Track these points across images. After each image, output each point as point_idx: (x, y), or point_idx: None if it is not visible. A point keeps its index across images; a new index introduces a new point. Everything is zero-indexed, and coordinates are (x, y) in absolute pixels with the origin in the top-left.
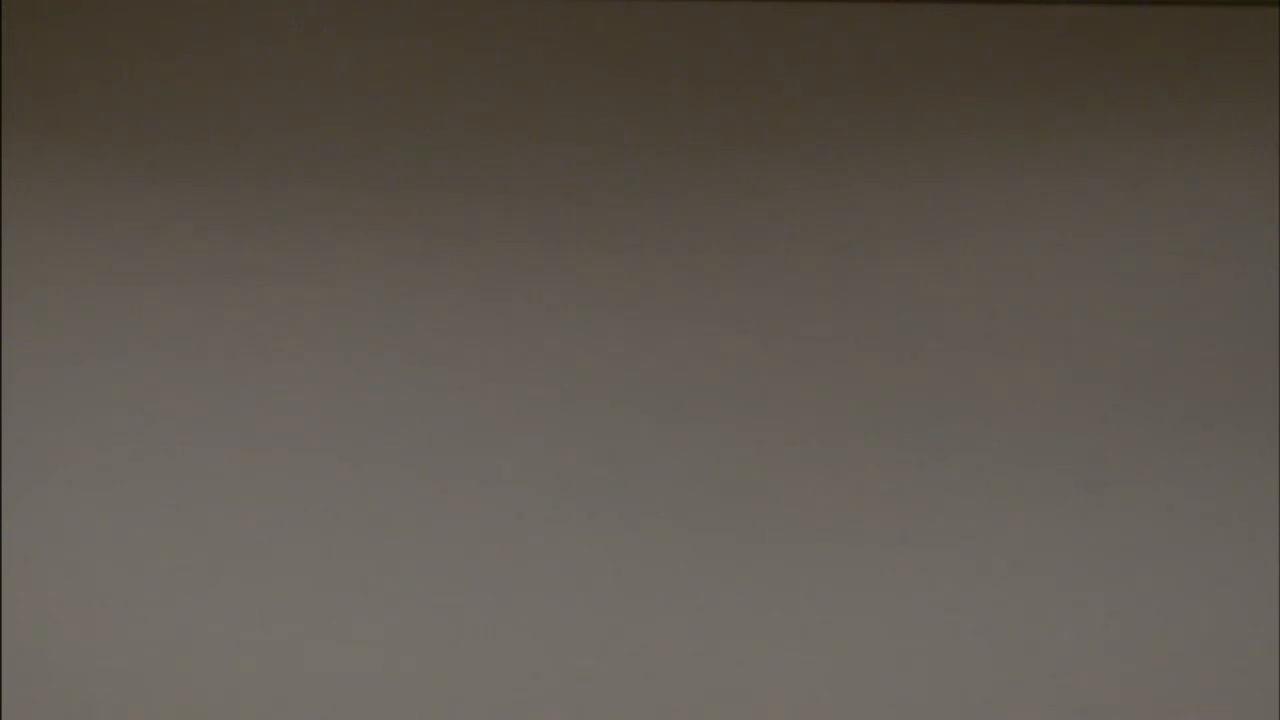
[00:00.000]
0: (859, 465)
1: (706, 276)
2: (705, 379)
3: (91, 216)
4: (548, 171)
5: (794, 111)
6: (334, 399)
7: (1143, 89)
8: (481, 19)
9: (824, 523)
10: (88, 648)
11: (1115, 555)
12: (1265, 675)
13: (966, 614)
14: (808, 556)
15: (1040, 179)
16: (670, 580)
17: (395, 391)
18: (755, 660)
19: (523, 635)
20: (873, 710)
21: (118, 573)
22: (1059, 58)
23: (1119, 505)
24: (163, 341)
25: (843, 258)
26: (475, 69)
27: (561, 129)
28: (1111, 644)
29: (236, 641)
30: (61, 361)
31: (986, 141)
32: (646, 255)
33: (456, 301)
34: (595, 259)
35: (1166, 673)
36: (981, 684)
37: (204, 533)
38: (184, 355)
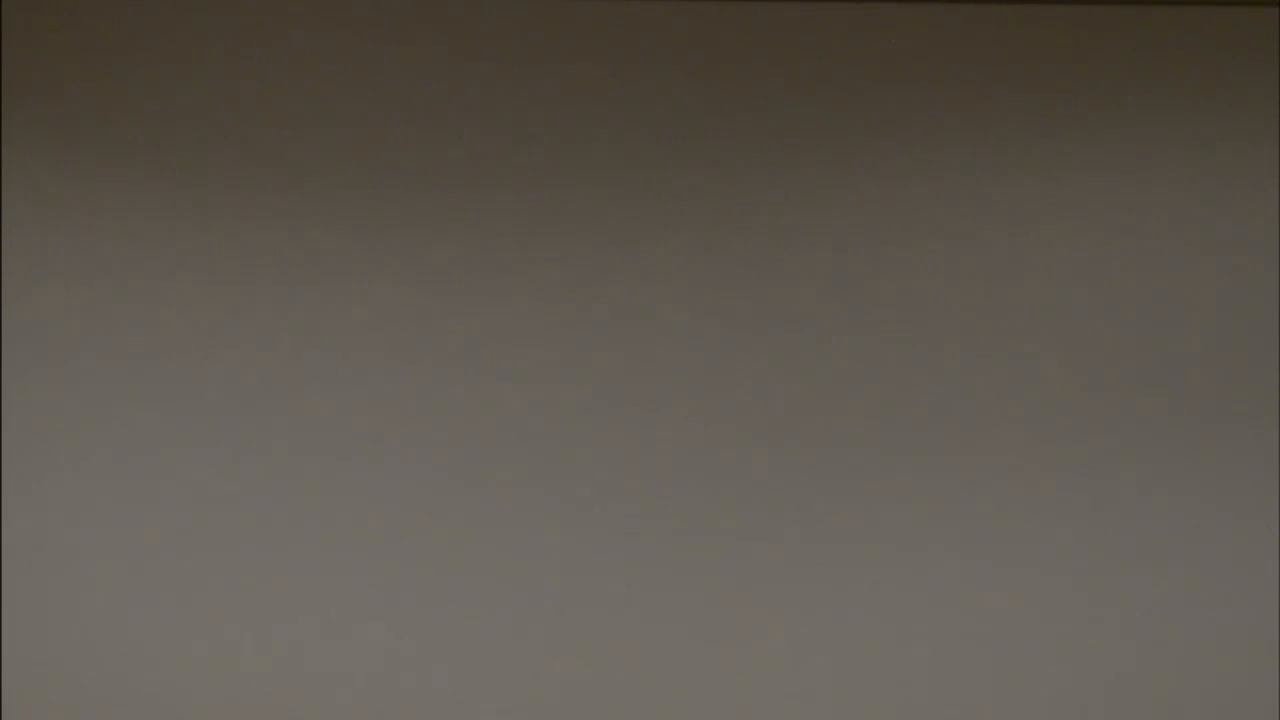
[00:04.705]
0: (859, 464)
1: (706, 276)
2: (705, 377)
3: (91, 216)
4: (548, 171)
5: (793, 111)
6: (335, 399)
7: (1143, 89)
8: (481, 19)
9: (825, 522)
10: (88, 647)
11: (1115, 554)
12: (1265, 675)
13: (967, 613)
14: (809, 555)
15: (1040, 179)
16: (670, 580)
17: (395, 391)
18: (755, 660)
19: (522, 636)
20: (873, 710)
21: (118, 573)
22: (1059, 58)
23: (1119, 504)
24: (163, 341)
25: (843, 257)
26: (475, 69)
27: (562, 129)
28: (1111, 643)
29: (237, 641)
30: (61, 361)
31: (986, 141)
32: (645, 255)
33: (456, 302)
34: (593, 258)
35: (1167, 672)
36: (981, 684)
37: (204, 532)
38: (184, 355)
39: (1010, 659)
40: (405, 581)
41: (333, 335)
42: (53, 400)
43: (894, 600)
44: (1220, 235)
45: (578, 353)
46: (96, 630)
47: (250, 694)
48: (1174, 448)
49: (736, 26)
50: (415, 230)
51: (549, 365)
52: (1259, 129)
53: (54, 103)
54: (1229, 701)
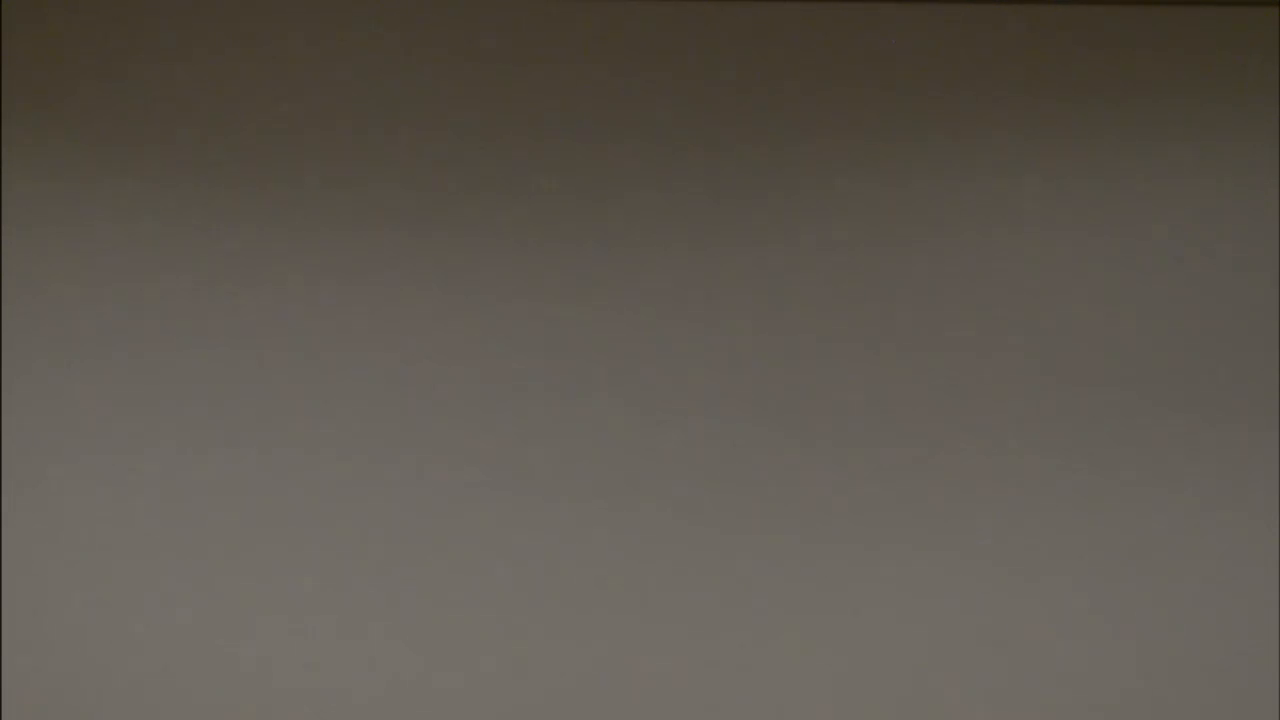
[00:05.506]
0: (859, 464)
1: (705, 275)
2: (705, 377)
3: (92, 216)
4: (548, 171)
5: (794, 111)
6: (335, 399)
7: (1143, 89)
8: (481, 19)
9: (824, 521)
10: (88, 647)
11: (1115, 555)
12: (1265, 675)
13: (968, 613)
14: (808, 555)
15: (1040, 179)
16: (670, 581)
17: (395, 392)
18: (758, 660)
19: (523, 638)
20: (874, 710)
21: (118, 572)
22: (1059, 58)
23: (1118, 504)
24: (163, 341)
25: (843, 257)
26: (475, 69)
27: (563, 129)
28: (1110, 644)
29: (237, 642)
30: (61, 361)
31: (986, 141)
32: (645, 254)
33: (457, 302)
34: (593, 258)
35: (1167, 672)
36: (982, 684)
37: (204, 533)
38: (184, 355)
39: (1011, 659)
40: (409, 582)
41: (334, 335)
42: (53, 400)
43: (894, 599)
44: (1220, 235)
45: (578, 353)
46: (97, 630)
47: (251, 694)
48: (1175, 447)
49: (736, 26)
50: (418, 231)
51: (550, 365)
52: (1259, 129)
53: (54, 103)
54: (1229, 701)
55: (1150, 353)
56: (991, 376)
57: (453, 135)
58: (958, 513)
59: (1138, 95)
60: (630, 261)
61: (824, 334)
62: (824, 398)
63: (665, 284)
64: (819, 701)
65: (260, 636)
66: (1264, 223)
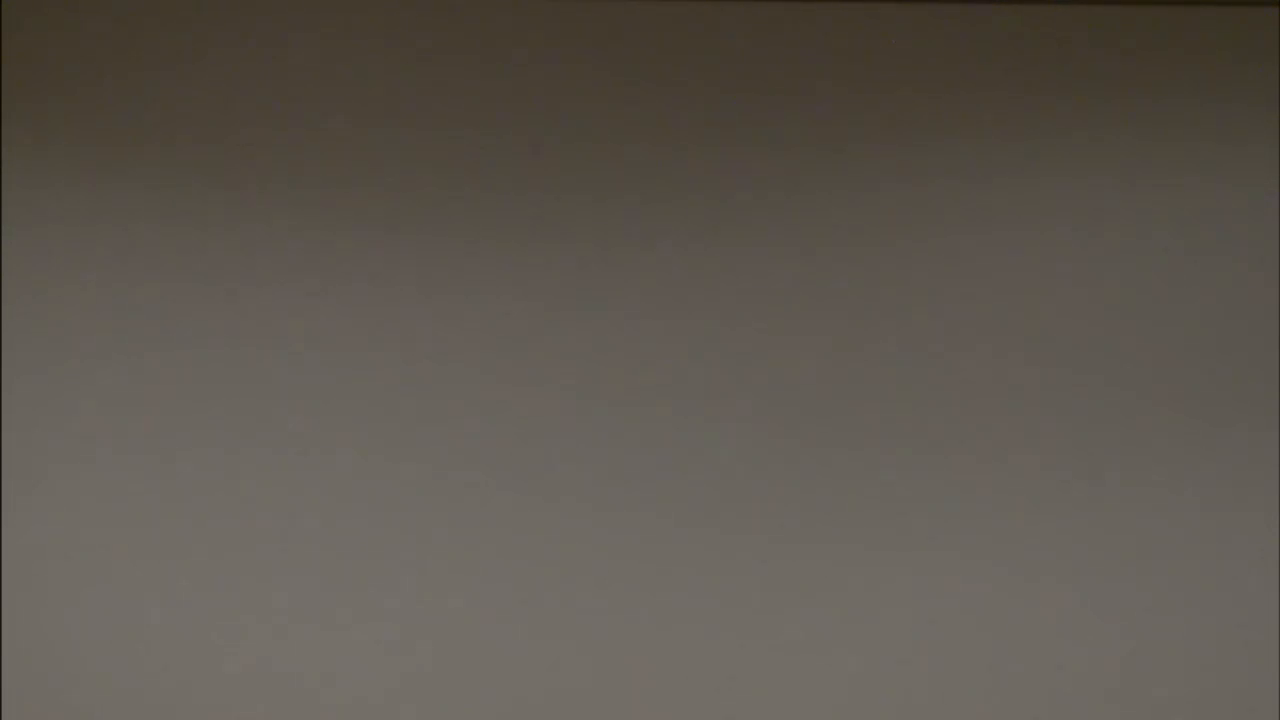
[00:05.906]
0: (859, 464)
1: (705, 276)
2: (706, 378)
3: (91, 216)
4: (548, 171)
5: (794, 111)
6: (335, 399)
7: (1143, 89)
8: (482, 19)
9: (825, 522)
10: (88, 647)
11: (1116, 555)
12: (1265, 675)
13: (968, 614)
14: (810, 556)
15: (1040, 179)
16: (671, 581)
17: (396, 392)
18: (756, 660)
19: (525, 639)
20: (876, 710)
21: (118, 573)
22: (1059, 58)
23: (1119, 505)
24: (163, 341)
25: (843, 257)
26: (476, 69)
27: (563, 129)
28: (1111, 644)
29: (237, 642)
30: (61, 361)
31: (986, 141)
32: (645, 255)
33: (457, 301)
34: (593, 258)
35: (1167, 672)
36: (982, 683)
37: (204, 533)
38: (184, 355)
39: (1012, 659)
40: (409, 583)
41: (335, 336)
42: (53, 400)
43: (895, 600)
44: (1220, 235)
45: (578, 353)
46: (97, 630)
47: (250, 694)
48: (1175, 448)
49: (737, 26)
50: (418, 231)
51: (550, 365)
52: (1259, 129)
53: (54, 103)
54: (1229, 701)
55: (1150, 353)
56: (991, 376)
57: (453, 135)
58: (959, 513)
59: (1138, 95)
60: (629, 262)
61: (824, 334)
62: (825, 398)
63: (664, 285)
64: (821, 702)
65: (259, 637)
66: (1264, 223)
